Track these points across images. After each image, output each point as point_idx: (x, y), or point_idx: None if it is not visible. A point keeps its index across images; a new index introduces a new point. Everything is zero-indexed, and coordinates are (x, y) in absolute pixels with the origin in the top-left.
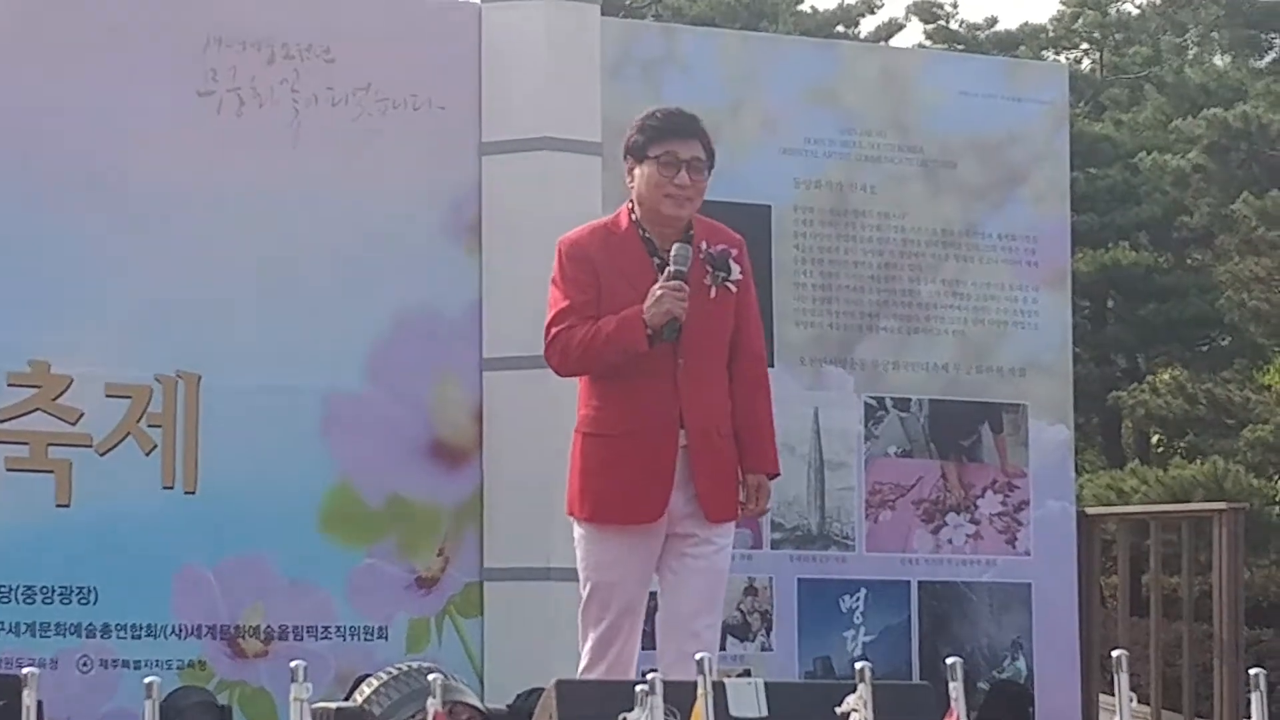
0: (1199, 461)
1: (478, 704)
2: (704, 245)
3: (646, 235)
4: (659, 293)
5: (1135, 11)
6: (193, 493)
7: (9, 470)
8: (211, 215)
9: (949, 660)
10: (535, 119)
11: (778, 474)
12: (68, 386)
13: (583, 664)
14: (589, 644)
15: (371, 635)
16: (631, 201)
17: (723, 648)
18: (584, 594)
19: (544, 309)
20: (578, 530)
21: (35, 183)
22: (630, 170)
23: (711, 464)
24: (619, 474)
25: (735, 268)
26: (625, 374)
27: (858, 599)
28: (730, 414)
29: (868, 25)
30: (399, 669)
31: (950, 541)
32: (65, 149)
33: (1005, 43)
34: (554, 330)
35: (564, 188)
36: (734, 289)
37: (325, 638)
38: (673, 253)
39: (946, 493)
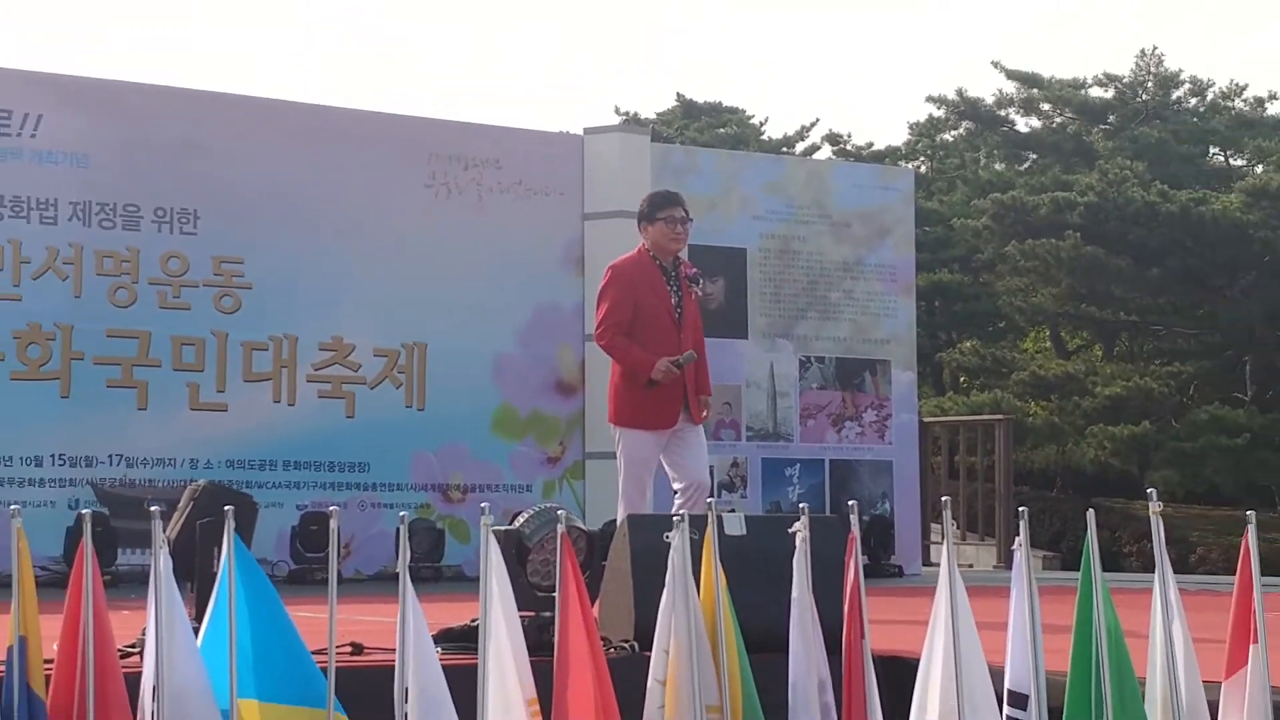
0: (986, 392)
1: (583, 527)
2: (685, 271)
3: (658, 263)
4: (664, 370)
5: (950, 139)
6: (422, 410)
7: (319, 397)
8: (431, 255)
9: (850, 503)
10: (613, 199)
11: (708, 393)
12: (352, 350)
13: (623, 507)
14: (627, 497)
15: (522, 490)
16: (646, 245)
17: (718, 496)
18: (621, 473)
19: None
20: (620, 433)
21: (325, 234)
22: (644, 229)
23: (696, 390)
24: (652, 396)
25: (703, 281)
26: (651, 342)
27: (794, 469)
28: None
29: (799, 147)
30: (538, 508)
31: (847, 437)
32: (345, 215)
33: (878, 156)
34: (601, 328)
35: (628, 240)
36: (698, 295)
37: (496, 491)
38: (683, 359)
39: (845, 410)
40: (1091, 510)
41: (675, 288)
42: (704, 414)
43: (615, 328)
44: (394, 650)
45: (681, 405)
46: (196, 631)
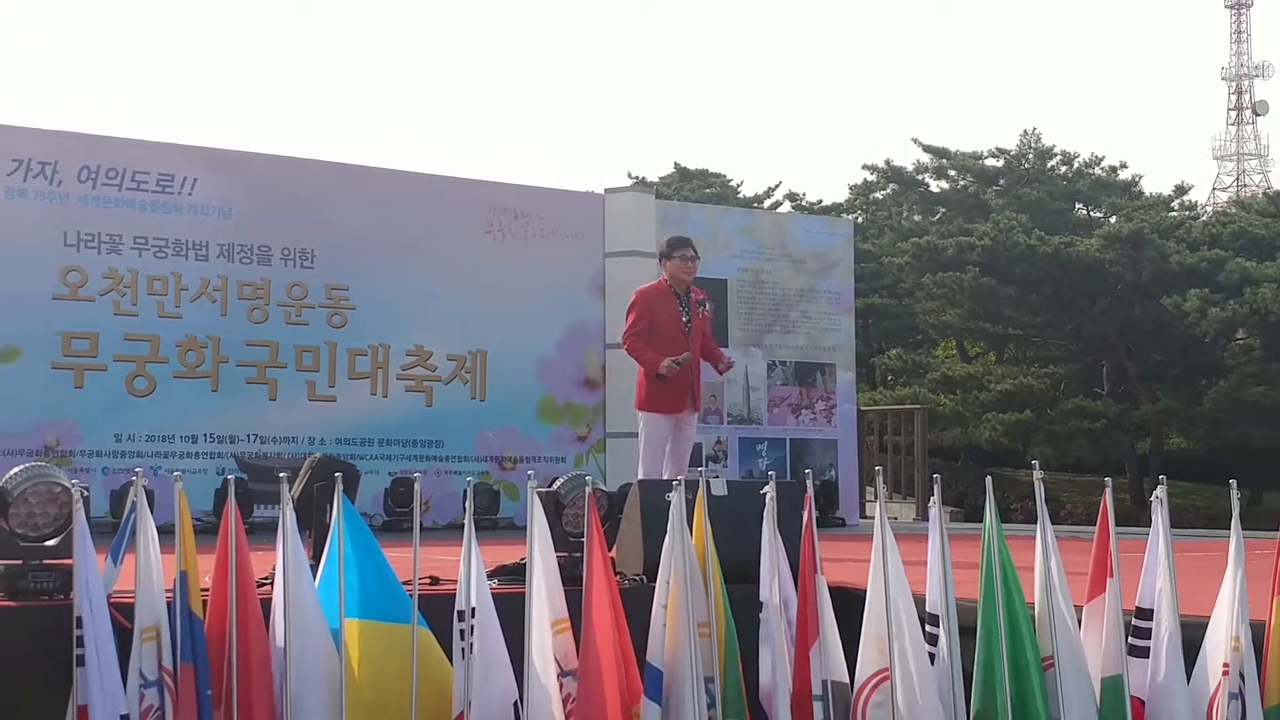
0: (908, 388)
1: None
2: (695, 296)
3: (675, 291)
4: (668, 366)
5: (880, 196)
6: (484, 400)
7: (406, 391)
8: (490, 284)
9: (806, 471)
10: (627, 242)
11: (729, 364)
12: (431, 355)
13: (642, 471)
14: (646, 466)
15: (559, 460)
16: (666, 277)
17: (706, 466)
18: (642, 444)
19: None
20: (643, 416)
21: (411, 268)
22: (663, 264)
23: (699, 387)
24: (666, 389)
25: (710, 305)
26: (664, 350)
27: (763, 447)
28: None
29: (767, 202)
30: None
31: (803, 421)
32: (426, 254)
33: (827, 209)
34: (628, 338)
35: (638, 272)
36: (706, 315)
37: (538, 461)
38: (680, 359)
39: (802, 401)
40: (990, 478)
41: (686, 309)
42: (725, 366)
43: (636, 337)
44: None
45: (688, 396)
46: (314, 569)
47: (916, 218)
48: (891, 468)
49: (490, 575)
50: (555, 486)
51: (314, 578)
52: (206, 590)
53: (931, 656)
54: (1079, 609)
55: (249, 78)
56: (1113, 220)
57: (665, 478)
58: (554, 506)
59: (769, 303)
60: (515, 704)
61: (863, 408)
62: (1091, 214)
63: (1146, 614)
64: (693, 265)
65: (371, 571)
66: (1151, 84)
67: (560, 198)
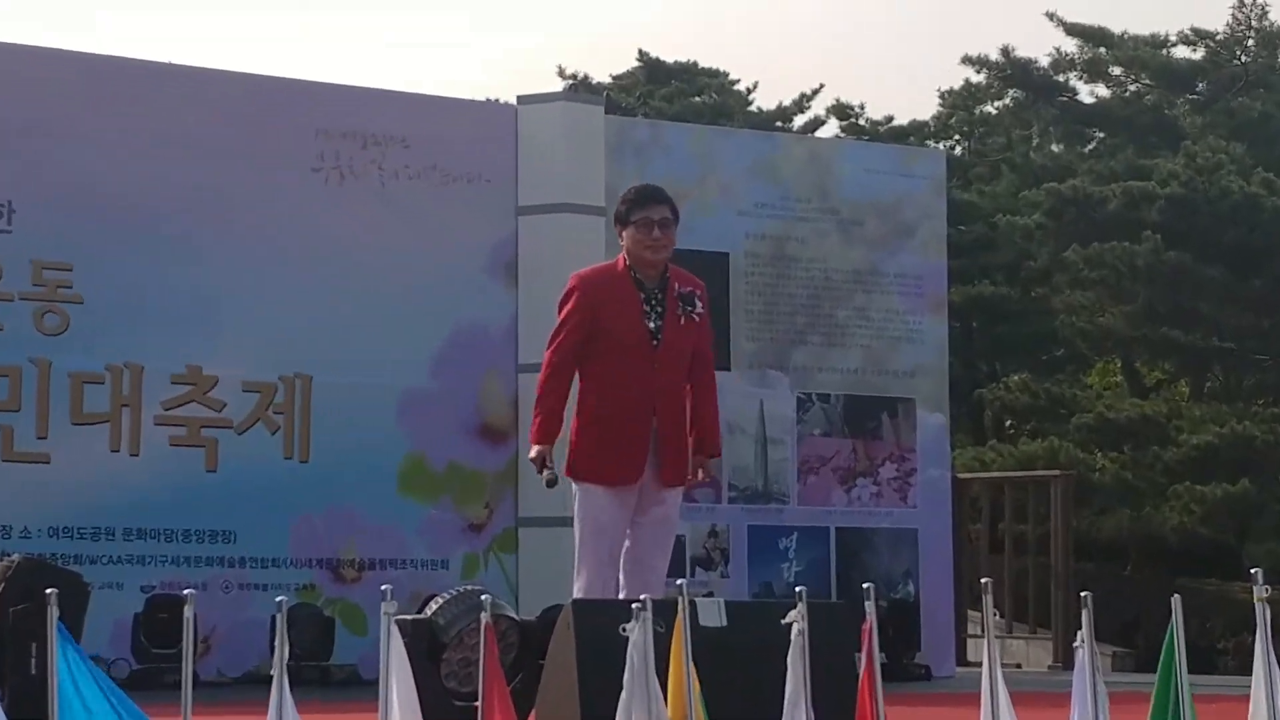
0: (1040, 440)
1: (515, 616)
2: (676, 287)
3: (636, 276)
4: (535, 457)
5: (993, 112)
6: (305, 462)
7: (171, 445)
8: (318, 258)
9: (864, 585)
10: (556, 189)
11: (720, 455)
12: (214, 384)
13: (579, 585)
14: (586, 572)
15: (436, 566)
16: (623, 254)
17: (692, 575)
18: (580, 533)
19: None
20: (580, 489)
21: (178, 233)
22: (620, 233)
23: (674, 444)
24: (615, 443)
25: (699, 303)
26: (615, 376)
27: (791, 540)
28: (685, 407)
29: (798, 121)
30: (457, 590)
31: (859, 498)
32: (205, 209)
33: (899, 134)
34: (550, 359)
35: (576, 240)
36: (697, 319)
37: (402, 568)
38: (546, 478)
39: (856, 462)
40: (1178, 596)
41: (657, 309)
42: (698, 476)
43: (561, 349)
44: None
45: (647, 455)
46: None
47: (1055, 148)
48: (1011, 578)
49: None
50: (430, 612)
51: None
52: None
53: None
54: None
55: None
56: None
57: (620, 596)
58: (428, 646)
59: (801, 294)
60: None
61: (963, 474)
62: None
63: None
64: (662, 237)
65: None
66: None
67: (441, 112)
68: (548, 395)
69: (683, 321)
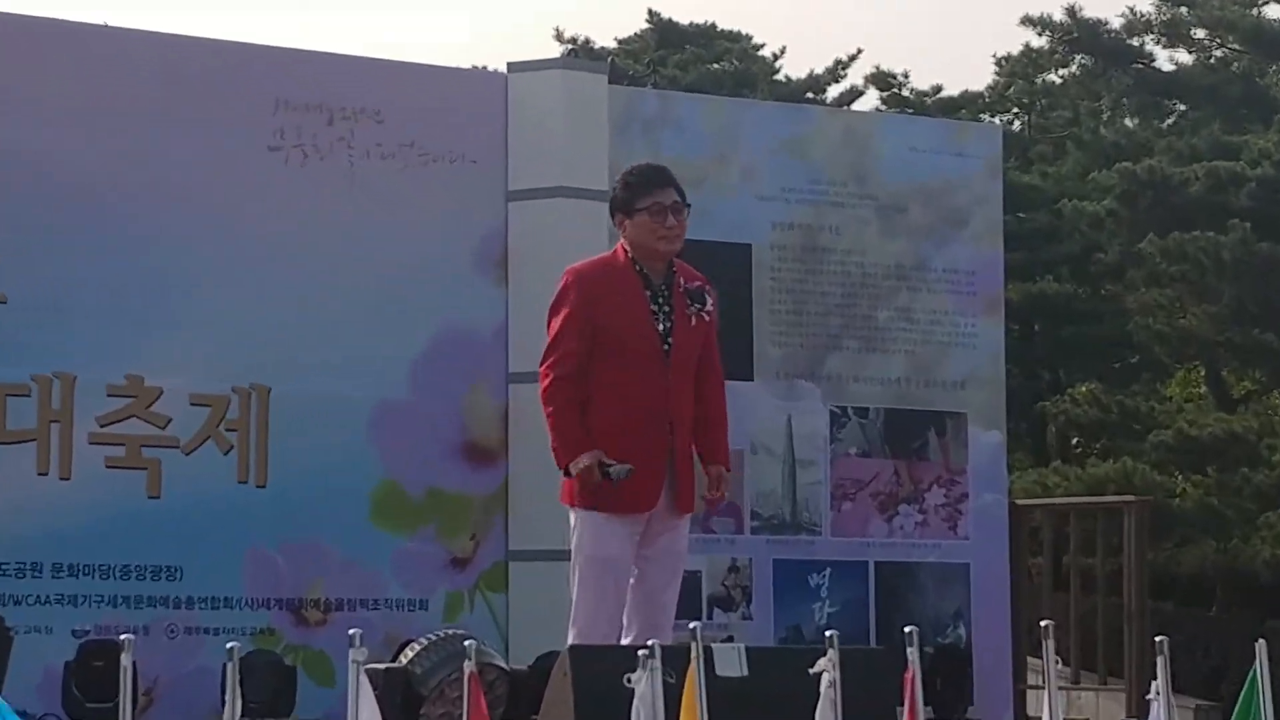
0: (1111, 461)
1: (504, 665)
2: (682, 282)
3: (641, 270)
4: (584, 467)
5: (1058, 81)
6: (263, 486)
7: (108, 467)
8: (277, 251)
9: (907, 629)
10: (552, 171)
11: (729, 467)
12: (158, 397)
13: (578, 628)
14: (586, 613)
15: (414, 607)
16: (625, 244)
17: (709, 617)
18: (580, 568)
19: None
20: (579, 517)
21: (114, 223)
22: (620, 223)
23: (690, 465)
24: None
25: (708, 300)
26: (623, 386)
27: (824, 576)
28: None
29: (832, 92)
30: (438, 635)
31: (902, 528)
32: (146, 193)
33: (948, 107)
34: (547, 369)
35: (575, 229)
36: (707, 318)
37: (375, 609)
38: (614, 471)
39: (899, 487)
40: (1261, 640)
41: (665, 307)
42: (716, 493)
43: (561, 363)
44: None
45: (664, 480)
46: None
47: (1129, 122)
48: (1077, 619)
49: None
50: (406, 660)
51: None
52: None
53: None
54: None
55: None
56: None
57: (625, 641)
58: (403, 699)
59: (835, 292)
60: None
61: (1021, 500)
62: None
63: None
64: (676, 224)
65: None
66: None
67: (420, 81)
68: (564, 408)
69: (694, 322)
